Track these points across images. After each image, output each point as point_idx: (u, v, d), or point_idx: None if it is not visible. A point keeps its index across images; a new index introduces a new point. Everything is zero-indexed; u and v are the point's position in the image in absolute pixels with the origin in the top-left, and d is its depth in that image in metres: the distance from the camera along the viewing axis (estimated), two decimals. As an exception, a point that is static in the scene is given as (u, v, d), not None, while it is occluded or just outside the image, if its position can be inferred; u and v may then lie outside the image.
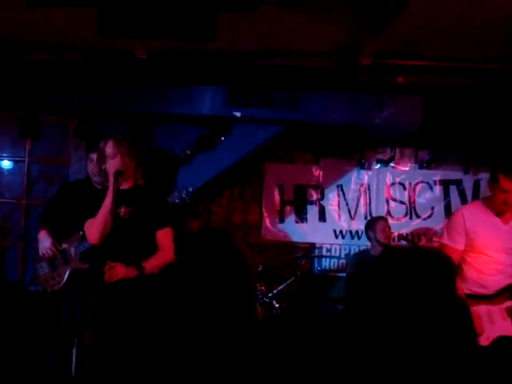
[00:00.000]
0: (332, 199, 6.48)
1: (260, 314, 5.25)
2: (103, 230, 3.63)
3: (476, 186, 6.36)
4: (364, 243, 6.13)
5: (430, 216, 6.45)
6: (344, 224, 6.48)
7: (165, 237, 3.69)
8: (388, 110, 5.48)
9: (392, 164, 6.48)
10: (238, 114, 5.49)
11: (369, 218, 6.29)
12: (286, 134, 5.77)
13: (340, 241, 6.49)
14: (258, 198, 6.49)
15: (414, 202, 6.48)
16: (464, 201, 6.31)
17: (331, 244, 6.50)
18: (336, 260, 6.52)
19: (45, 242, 3.90)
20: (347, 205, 6.47)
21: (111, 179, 3.68)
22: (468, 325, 3.74)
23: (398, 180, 6.49)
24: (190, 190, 3.85)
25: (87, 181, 4.44)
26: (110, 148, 3.70)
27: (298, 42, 4.50)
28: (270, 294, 5.42)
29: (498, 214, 3.86)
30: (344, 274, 6.06)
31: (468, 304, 3.82)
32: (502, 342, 3.05)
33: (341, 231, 6.47)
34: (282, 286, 5.58)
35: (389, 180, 6.50)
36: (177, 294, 1.75)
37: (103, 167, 3.74)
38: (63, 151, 5.93)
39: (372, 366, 1.74)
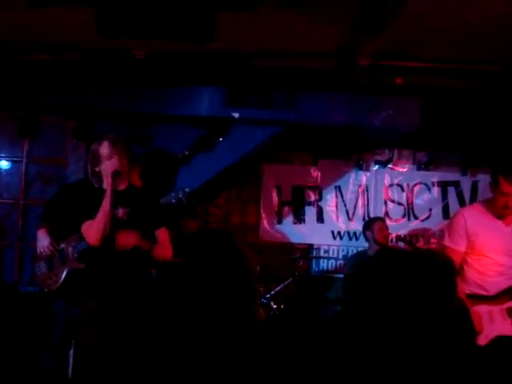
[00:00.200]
0: (330, 200, 6.48)
1: (262, 315, 5.24)
2: (103, 231, 3.64)
3: (474, 187, 6.37)
4: (362, 244, 6.13)
5: (427, 217, 6.46)
6: (342, 225, 6.48)
7: (163, 236, 3.72)
8: (386, 111, 5.48)
9: (390, 165, 6.49)
10: (236, 115, 5.49)
11: (367, 219, 6.29)
12: (284, 134, 5.77)
13: (338, 242, 6.48)
14: (255, 199, 6.50)
15: (412, 203, 6.48)
16: (462, 202, 6.32)
17: (329, 245, 6.50)
18: (334, 261, 6.52)
19: (43, 240, 3.89)
20: (345, 206, 6.47)
21: (109, 180, 3.67)
22: (467, 324, 3.74)
23: (396, 181, 6.49)
24: (187, 190, 3.85)
25: (86, 181, 4.43)
26: (105, 149, 3.69)
27: (297, 43, 4.50)
28: (268, 295, 5.42)
29: (500, 217, 3.85)
30: (342, 275, 6.06)
31: (468, 304, 3.83)
32: (501, 341, 3.05)
33: (339, 232, 6.47)
34: (279, 287, 5.58)
35: (387, 181, 6.50)
36: (178, 294, 1.75)
37: (97, 169, 3.74)
38: (61, 151, 5.91)
39: (371, 367, 1.74)
